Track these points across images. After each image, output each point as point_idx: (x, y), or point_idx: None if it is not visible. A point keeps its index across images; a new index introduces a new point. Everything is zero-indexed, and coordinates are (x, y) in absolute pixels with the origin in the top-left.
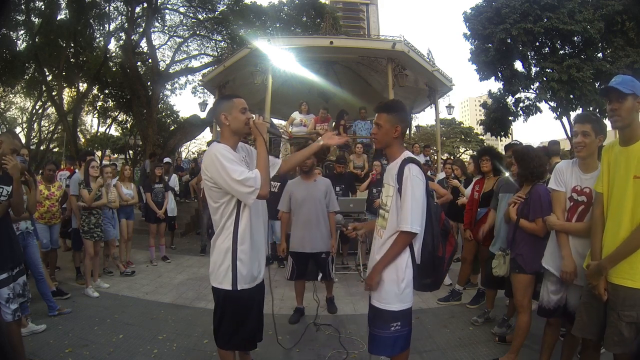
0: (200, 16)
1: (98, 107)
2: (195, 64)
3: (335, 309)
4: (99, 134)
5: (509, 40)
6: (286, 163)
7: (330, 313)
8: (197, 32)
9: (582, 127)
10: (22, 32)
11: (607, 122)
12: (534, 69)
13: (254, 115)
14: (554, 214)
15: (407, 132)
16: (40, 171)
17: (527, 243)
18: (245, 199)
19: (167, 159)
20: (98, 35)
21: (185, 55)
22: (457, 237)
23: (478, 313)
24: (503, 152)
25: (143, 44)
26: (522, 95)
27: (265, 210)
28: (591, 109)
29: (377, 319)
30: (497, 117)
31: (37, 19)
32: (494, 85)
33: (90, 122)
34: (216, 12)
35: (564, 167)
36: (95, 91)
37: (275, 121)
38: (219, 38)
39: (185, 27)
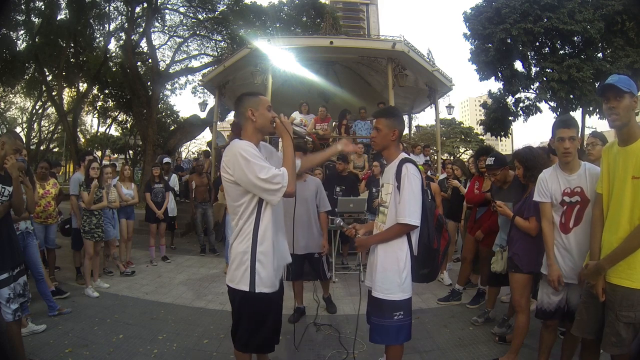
0: (200, 16)
1: (98, 107)
2: (195, 64)
3: (334, 309)
4: (99, 134)
5: (509, 40)
6: (306, 162)
7: (329, 313)
8: (197, 32)
9: (569, 132)
10: (22, 32)
11: (604, 121)
12: (534, 69)
13: (281, 114)
14: (542, 224)
15: (408, 132)
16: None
17: (523, 242)
18: (271, 197)
19: (167, 159)
20: (98, 35)
21: (185, 55)
22: (457, 237)
23: (478, 313)
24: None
25: (143, 44)
26: (522, 95)
27: (289, 211)
28: (591, 109)
29: (379, 310)
30: (497, 117)
31: (37, 19)
32: (494, 85)
33: (90, 122)
34: (216, 12)
35: (547, 177)
36: (95, 91)
37: None
38: (219, 38)
39: (185, 27)
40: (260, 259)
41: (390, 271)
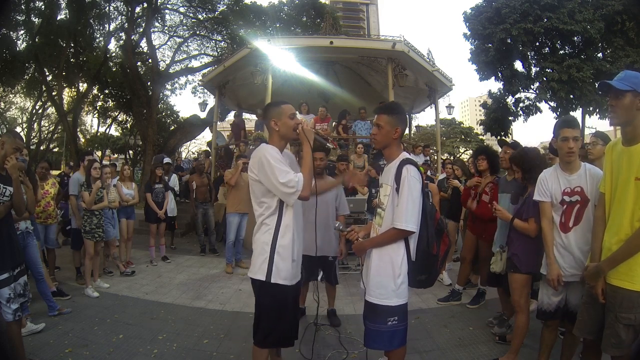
0: (200, 16)
1: (98, 107)
2: (195, 64)
3: (338, 321)
4: (99, 134)
5: (509, 40)
6: (322, 185)
7: (333, 326)
8: (197, 32)
9: (573, 132)
10: (22, 32)
11: (604, 121)
12: (534, 69)
13: (302, 120)
14: (542, 223)
15: (408, 132)
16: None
17: (522, 243)
18: (287, 199)
19: (167, 159)
20: (98, 35)
21: (185, 55)
22: (457, 237)
23: (494, 315)
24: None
25: (143, 44)
26: (522, 95)
27: (310, 213)
28: (591, 109)
29: (373, 314)
30: (497, 117)
31: (37, 19)
32: (494, 85)
33: (90, 122)
34: (216, 12)
35: (547, 176)
36: (95, 91)
37: None
38: (219, 38)
39: (185, 27)
40: (280, 251)
41: (385, 276)
